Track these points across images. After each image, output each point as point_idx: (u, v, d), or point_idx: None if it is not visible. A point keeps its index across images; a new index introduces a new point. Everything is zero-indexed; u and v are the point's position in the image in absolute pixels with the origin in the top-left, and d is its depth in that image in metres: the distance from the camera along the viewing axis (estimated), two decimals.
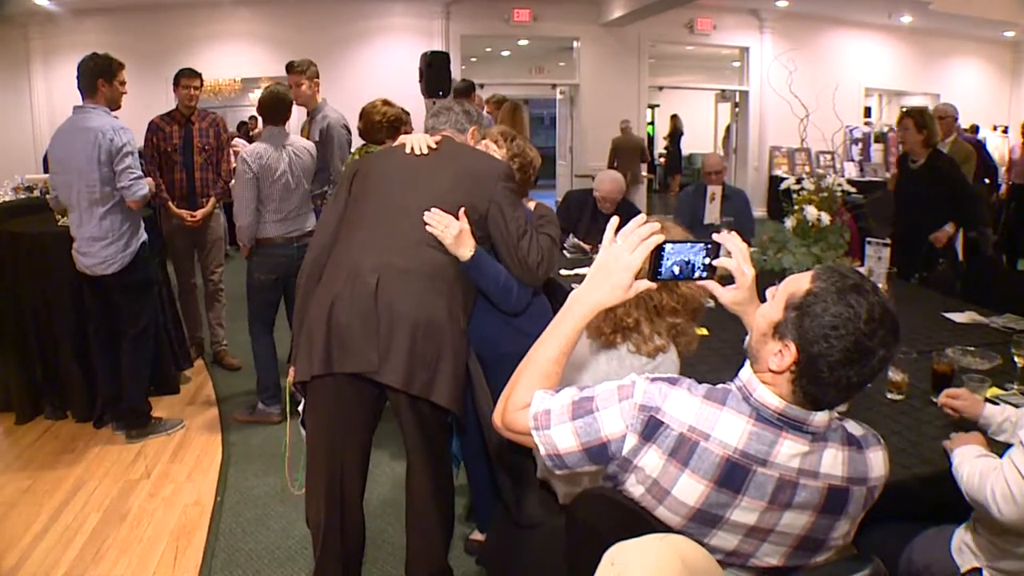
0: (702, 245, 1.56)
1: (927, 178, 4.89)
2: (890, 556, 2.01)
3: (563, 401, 1.55)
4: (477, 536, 3.10)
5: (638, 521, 1.47)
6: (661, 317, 2.11)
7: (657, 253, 1.53)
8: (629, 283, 1.54)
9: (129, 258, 4.07)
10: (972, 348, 2.92)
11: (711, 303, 3.68)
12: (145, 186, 4.00)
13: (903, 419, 2.39)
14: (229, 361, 5.42)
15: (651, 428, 1.47)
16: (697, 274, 1.58)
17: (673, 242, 1.54)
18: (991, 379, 2.59)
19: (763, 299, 1.58)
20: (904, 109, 5.41)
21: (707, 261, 1.57)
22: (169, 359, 4.95)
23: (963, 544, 1.98)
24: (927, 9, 11.09)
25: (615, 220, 1.61)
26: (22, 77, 11.31)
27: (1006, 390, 2.62)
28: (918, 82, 14.63)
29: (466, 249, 2.47)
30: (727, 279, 1.72)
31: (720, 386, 1.55)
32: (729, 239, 1.69)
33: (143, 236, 4.21)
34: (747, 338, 1.64)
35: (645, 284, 1.55)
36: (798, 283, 1.46)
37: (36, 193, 9.08)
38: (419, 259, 2.40)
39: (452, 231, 2.44)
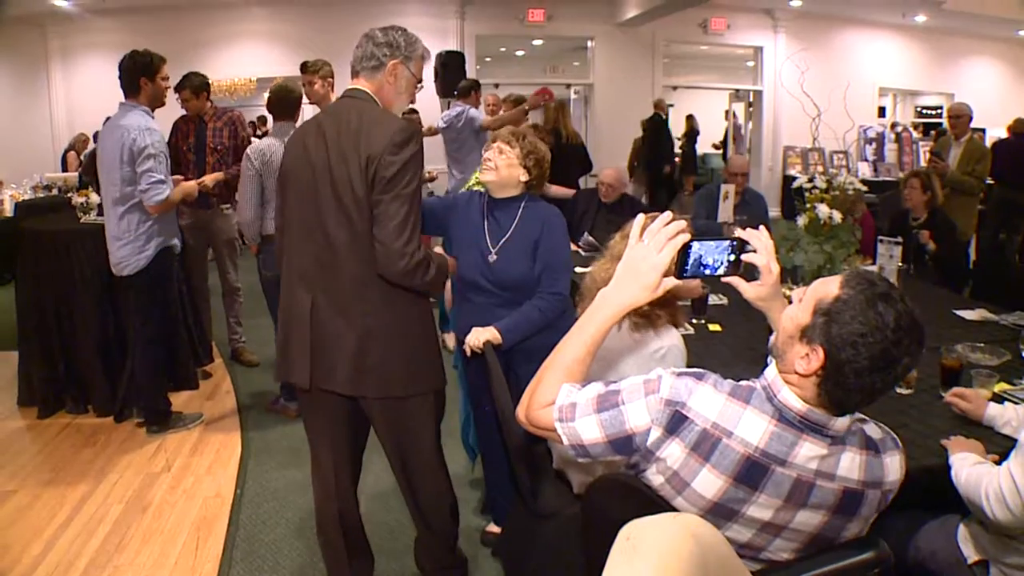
0: (727, 242, 1.59)
1: (932, 237, 4.96)
2: (897, 542, 2.05)
3: (588, 395, 1.58)
4: (493, 528, 3.15)
5: (654, 507, 1.50)
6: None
7: (683, 251, 1.55)
8: (657, 282, 1.56)
9: (144, 262, 4.06)
10: (981, 344, 2.96)
11: (723, 300, 3.76)
12: (164, 191, 3.93)
13: (912, 412, 2.43)
14: (247, 357, 5.49)
15: (675, 422, 1.51)
16: (721, 271, 1.61)
17: (699, 239, 1.57)
18: (999, 374, 2.63)
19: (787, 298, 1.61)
20: (913, 171, 5.50)
21: (731, 258, 1.60)
22: (188, 355, 5.01)
23: (969, 535, 2.02)
24: (941, 8, 11.05)
25: (641, 218, 1.63)
26: (40, 76, 11.41)
27: (1014, 385, 2.65)
28: (932, 81, 14.57)
29: (492, 337, 2.66)
30: (751, 275, 1.73)
31: (745, 383, 1.57)
32: (756, 235, 1.70)
33: (168, 242, 4.19)
34: (772, 337, 1.66)
35: (672, 282, 1.58)
36: (827, 288, 1.48)
37: (55, 192, 9.22)
38: (344, 272, 2.31)
39: (480, 343, 2.64)
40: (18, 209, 7.54)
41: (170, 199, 4.01)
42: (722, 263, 1.61)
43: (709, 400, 1.51)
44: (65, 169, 10.51)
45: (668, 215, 1.58)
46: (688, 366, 2.06)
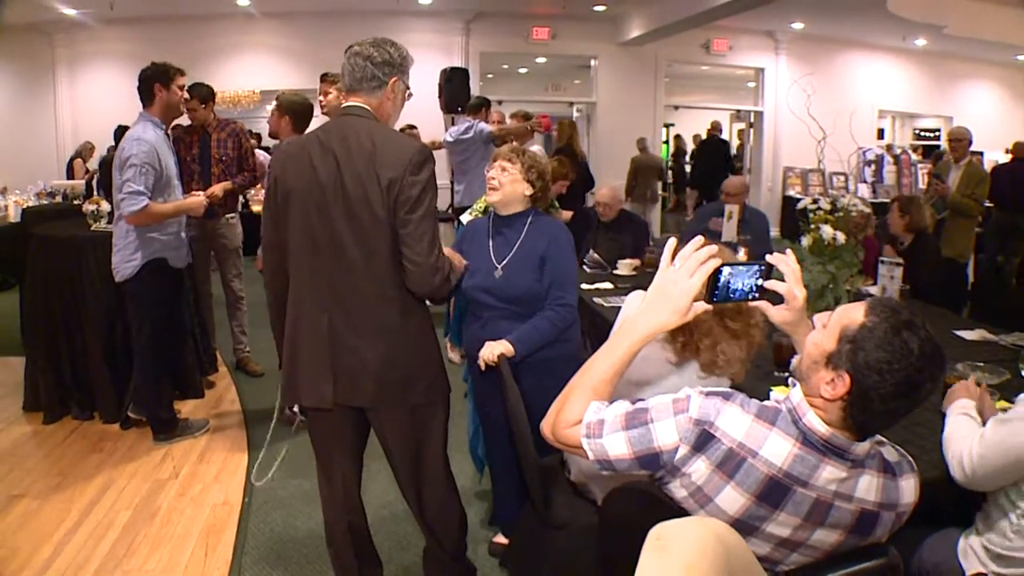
0: (756, 267, 1.63)
1: (914, 261, 5.01)
2: (901, 557, 2.10)
3: (617, 412, 1.62)
4: (500, 539, 3.18)
5: (673, 516, 1.54)
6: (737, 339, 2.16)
7: (713, 276, 1.59)
8: (688, 306, 1.59)
9: (131, 270, 4.07)
10: (981, 363, 3.01)
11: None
12: (139, 203, 3.87)
13: (917, 429, 2.47)
14: (252, 367, 5.52)
15: (702, 440, 1.55)
16: (750, 295, 1.65)
17: (730, 265, 1.60)
18: (1000, 392, 2.68)
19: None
20: (895, 196, 5.59)
21: (760, 282, 1.64)
22: (195, 364, 5.05)
23: (968, 548, 2.07)
24: (941, 33, 11.16)
25: (672, 242, 1.68)
26: (47, 84, 11.49)
27: (1014, 403, 2.70)
28: (931, 104, 14.71)
29: (505, 350, 2.73)
30: (777, 299, 1.77)
31: (771, 404, 1.62)
32: (783, 259, 1.73)
33: (162, 253, 4.15)
34: (795, 359, 1.72)
35: (702, 306, 1.61)
36: (851, 315, 1.52)
37: (59, 199, 9.26)
38: (358, 290, 2.34)
39: (494, 356, 2.71)
40: (25, 215, 7.58)
41: (151, 211, 3.96)
42: (751, 288, 1.65)
43: (736, 420, 1.56)
44: (71, 176, 10.56)
45: (700, 239, 1.61)
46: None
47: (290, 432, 4.33)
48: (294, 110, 4.45)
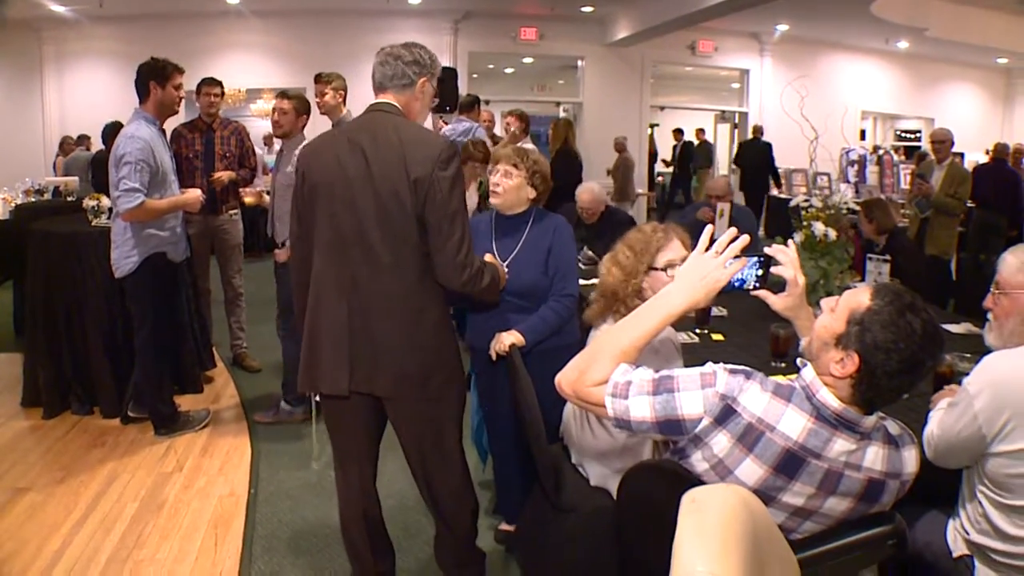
0: (756, 259, 1.76)
1: (895, 260, 5.10)
2: None
3: (644, 377, 1.70)
4: (506, 526, 3.25)
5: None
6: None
7: None
8: (718, 290, 1.72)
9: (131, 266, 4.11)
10: (968, 355, 3.13)
11: (724, 312, 3.90)
12: (134, 200, 3.90)
13: (911, 415, 2.57)
14: (249, 363, 5.56)
15: (724, 414, 1.65)
16: (750, 284, 1.78)
17: (735, 258, 1.71)
18: None
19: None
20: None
21: (759, 273, 1.77)
22: (194, 359, 5.10)
23: (956, 532, 2.19)
24: (923, 35, 11.35)
25: (710, 228, 1.78)
26: (34, 81, 11.46)
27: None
28: (913, 106, 14.94)
29: (516, 340, 2.82)
30: (777, 287, 1.90)
31: (785, 383, 1.72)
32: (781, 250, 1.89)
33: (160, 248, 4.19)
34: (803, 342, 1.88)
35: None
36: (858, 298, 1.64)
37: (47, 196, 9.23)
38: (381, 281, 2.38)
39: (505, 346, 2.79)
40: (18, 212, 7.59)
41: (147, 207, 3.99)
42: (750, 278, 1.76)
43: (756, 397, 1.66)
44: (55, 173, 10.52)
45: (734, 231, 1.72)
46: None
47: (293, 424, 4.48)
48: (308, 110, 4.56)
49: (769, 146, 11.45)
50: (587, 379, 1.73)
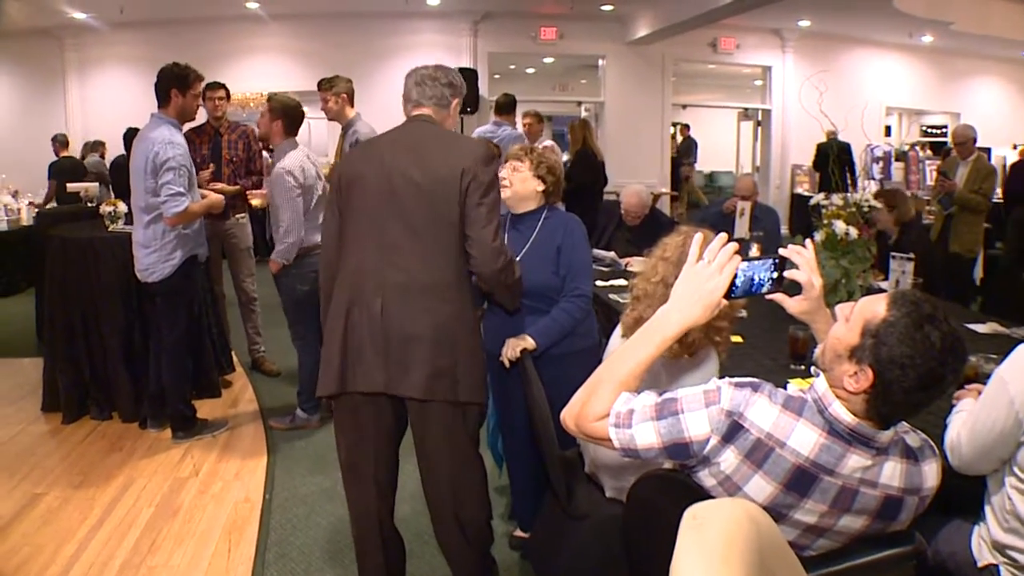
0: (770, 261, 1.66)
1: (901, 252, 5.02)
2: None
3: (646, 402, 1.63)
4: (520, 533, 3.22)
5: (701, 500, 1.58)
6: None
7: None
8: (718, 302, 1.61)
9: (170, 269, 4.13)
10: (994, 356, 3.03)
11: (743, 313, 3.84)
12: (182, 204, 3.97)
13: (930, 418, 2.49)
14: (268, 367, 5.56)
15: (732, 430, 1.58)
16: (765, 288, 1.68)
17: (747, 260, 1.63)
18: None
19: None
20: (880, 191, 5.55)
21: (774, 275, 1.67)
22: (212, 363, 5.10)
23: (981, 540, 2.10)
24: (948, 29, 11.17)
25: (699, 237, 1.70)
26: (57, 88, 11.59)
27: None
28: (938, 101, 14.70)
29: (527, 345, 2.80)
30: (794, 290, 1.80)
31: (797, 394, 1.64)
32: (797, 251, 1.78)
33: (194, 251, 4.25)
34: (816, 348, 1.76)
35: (724, 302, 1.64)
36: (874, 309, 1.55)
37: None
38: (417, 274, 2.44)
39: (516, 352, 2.78)
40: (39, 218, 7.66)
41: (190, 211, 4.04)
42: (766, 281, 1.68)
43: (764, 411, 1.58)
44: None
45: (723, 236, 1.63)
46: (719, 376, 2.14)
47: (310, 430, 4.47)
48: (288, 113, 4.35)
49: (848, 146, 11.33)
50: (589, 414, 1.66)
